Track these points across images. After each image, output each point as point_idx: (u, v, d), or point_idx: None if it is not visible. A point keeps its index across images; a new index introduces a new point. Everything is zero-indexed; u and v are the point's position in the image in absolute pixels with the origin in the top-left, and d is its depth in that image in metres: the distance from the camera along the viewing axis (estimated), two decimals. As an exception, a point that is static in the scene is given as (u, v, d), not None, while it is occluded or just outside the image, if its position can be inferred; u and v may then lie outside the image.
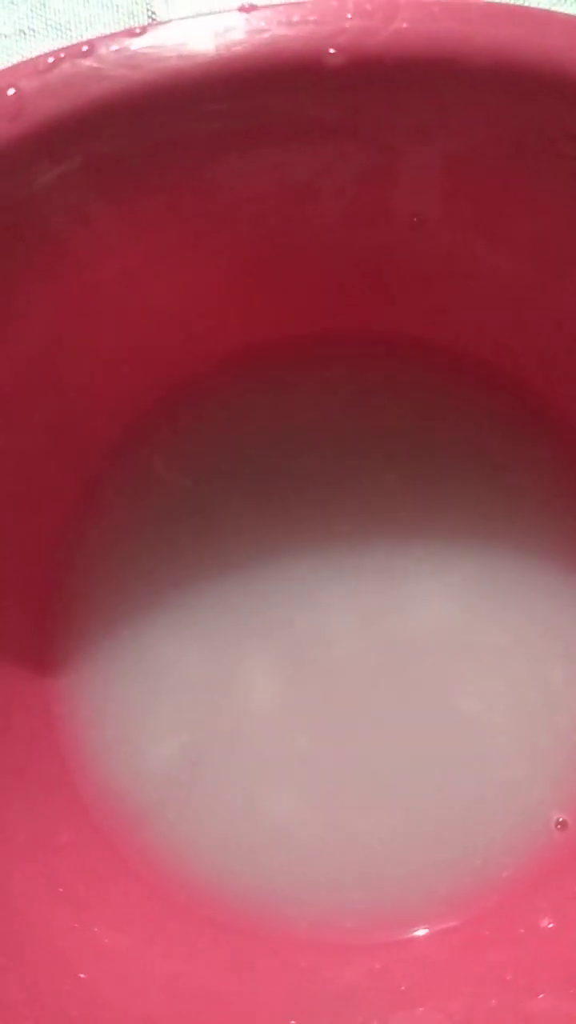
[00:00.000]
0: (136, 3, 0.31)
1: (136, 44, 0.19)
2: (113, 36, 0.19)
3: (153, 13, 0.31)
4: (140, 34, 0.19)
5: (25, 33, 0.31)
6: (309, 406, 0.27)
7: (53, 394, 0.24)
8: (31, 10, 0.31)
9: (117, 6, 0.31)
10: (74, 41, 0.26)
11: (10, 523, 0.25)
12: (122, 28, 0.30)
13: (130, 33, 0.19)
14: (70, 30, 0.31)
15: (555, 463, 0.27)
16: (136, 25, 0.19)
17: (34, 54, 0.19)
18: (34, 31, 0.31)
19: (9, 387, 0.23)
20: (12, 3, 0.31)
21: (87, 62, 0.19)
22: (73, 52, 0.19)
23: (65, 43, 0.30)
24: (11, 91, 0.19)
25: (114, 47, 0.19)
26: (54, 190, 0.20)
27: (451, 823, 0.26)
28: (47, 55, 0.19)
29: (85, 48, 0.19)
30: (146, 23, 0.31)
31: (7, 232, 0.20)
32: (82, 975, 0.23)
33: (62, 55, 0.19)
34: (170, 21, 0.19)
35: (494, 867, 0.25)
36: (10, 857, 0.23)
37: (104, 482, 0.27)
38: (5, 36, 0.31)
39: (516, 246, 0.23)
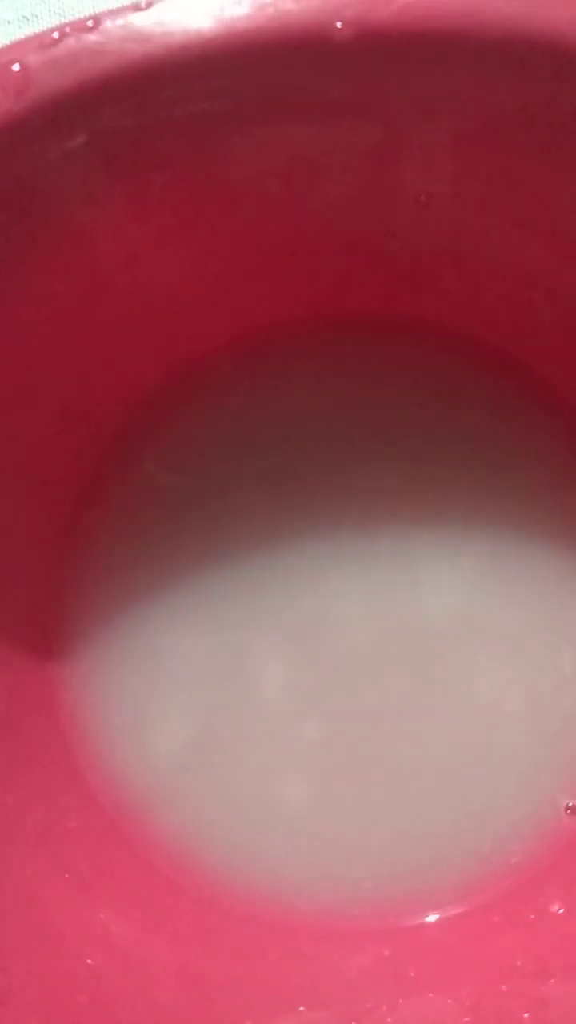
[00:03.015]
0: (139, -12, 0.31)
1: (142, 19, 0.19)
2: (119, 11, 0.19)
3: (156, -2, 0.31)
4: (146, 8, 0.19)
5: (28, 19, 0.31)
6: (315, 391, 0.27)
7: (57, 380, 0.24)
8: (34, -5, 0.31)
9: (120, -9, 0.31)
10: (77, 26, 0.26)
11: (14, 512, 0.25)
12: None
13: (136, 8, 0.19)
14: (73, 15, 0.31)
15: (565, 448, 0.27)
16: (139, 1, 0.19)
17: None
18: (37, 17, 0.31)
19: (13, 373, 0.23)
20: (15, -12, 0.31)
21: (92, 37, 0.19)
22: (78, 27, 0.19)
23: (68, 28, 0.30)
24: (16, 66, 0.18)
25: (120, 22, 0.19)
26: (59, 167, 0.20)
27: (460, 809, 0.25)
28: (52, 30, 0.19)
29: (90, 23, 0.19)
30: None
31: (11, 210, 0.20)
32: (90, 961, 0.22)
33: (67, 30, 0.19)
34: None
35: (504, 853, 0.25)
36: (18, 844, 0.23)
37: (108, 470, 0.27)
38: (8, 22, 0.31)
39: (526, 225, 0.23)
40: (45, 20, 0.31)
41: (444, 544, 0.26)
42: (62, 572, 0.27)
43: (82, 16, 0.31)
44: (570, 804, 0.25)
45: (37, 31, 0.31)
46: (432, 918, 0.25)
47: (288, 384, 0.27)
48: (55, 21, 0.31)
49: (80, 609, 0.26)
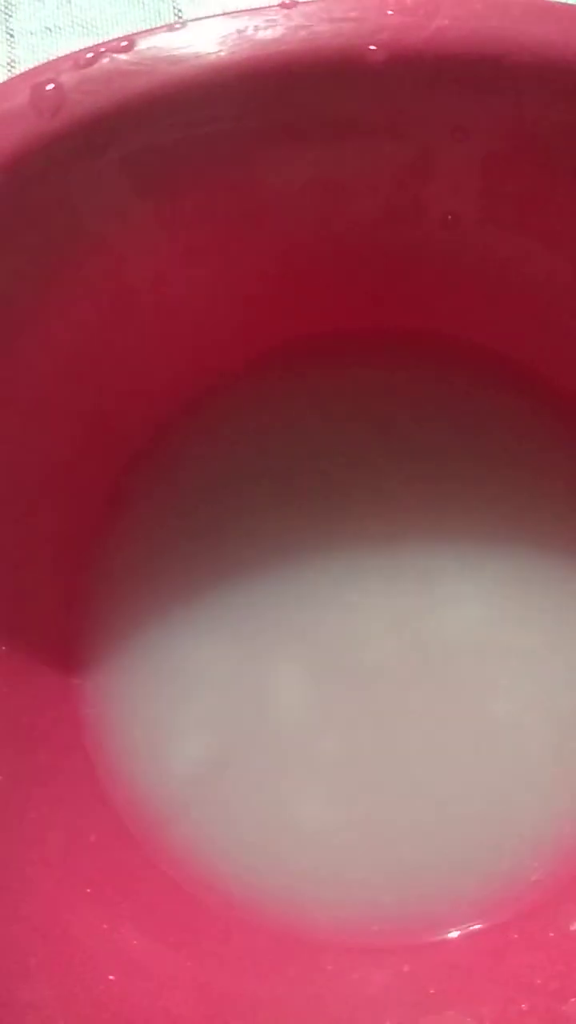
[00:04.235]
0: (162, 1, 0.31)
1: (174, 40, 0.19)
2: (152, 31, 0.19)
3: (179, 11, 0.31)
4: (179, 30, 0.19)
5: (51, 30, 0.31)
6: (339, 405, 0.27)
7: (86, 394, 0.24)
8: (57, 7, 0.31)
9: (143, 3, 0.31)
10: (100, 39, 0.26)
11: (37, 527, 0.25)
12: (148, 26, 0.30)
13: (169, 28, 0.19)
14: (96, 27, 0.31)
15: (586, 465, 0.27)
16: (172, 22, 0.19)
17: (60, 52, 0.19)
18: (60, 28, 0.31)
19: (42, 388, 0.23)
20: (39, 0, 0.31)
21: (126, 57, 0.19)
22: (112, 47, 0.19)
23: (91, 41, 0.30)
24: (51, 86, 0.19)
25: (153, 42, 0.19)
26: (91, 186, 0.20)
27: (480, 826, 0.25)
28: (87, 50, 0.19)
29: (124, 43, 0.19)
30: (172, 20, 0.31)
31: (42, 227, 0.20)
32: (111, 977, 0.22)
33: (102, 50, 0.19)
34: (209, 17, 0.19)
35: (523, 870, 0.25)
36: (40, 858, 0.23)
37: (133, 483, 0.27)
38: (31, 33, 0.31)
39: (553, 245, 0.23)
40: (67, 31, 0.31)
41: (465, 560, 0.26)
42: (85, 587, 0.27)
43: (104, 28, 0.32)
44: (590, 822, 0.25)
45: (60, 42, 0.32)
46: (452, 935, 0.25)
47: (311, 400, 0.27)
48: (78, 32, 0.31)
49: (102, 624, 0.26)
